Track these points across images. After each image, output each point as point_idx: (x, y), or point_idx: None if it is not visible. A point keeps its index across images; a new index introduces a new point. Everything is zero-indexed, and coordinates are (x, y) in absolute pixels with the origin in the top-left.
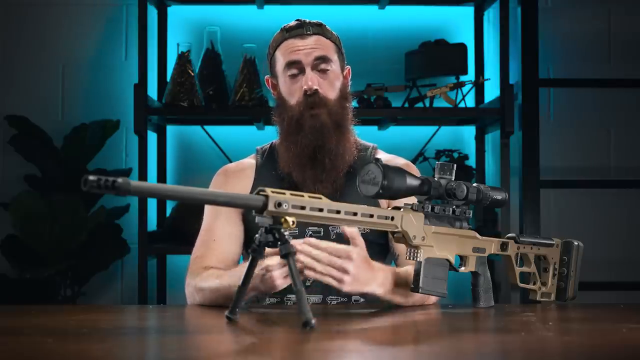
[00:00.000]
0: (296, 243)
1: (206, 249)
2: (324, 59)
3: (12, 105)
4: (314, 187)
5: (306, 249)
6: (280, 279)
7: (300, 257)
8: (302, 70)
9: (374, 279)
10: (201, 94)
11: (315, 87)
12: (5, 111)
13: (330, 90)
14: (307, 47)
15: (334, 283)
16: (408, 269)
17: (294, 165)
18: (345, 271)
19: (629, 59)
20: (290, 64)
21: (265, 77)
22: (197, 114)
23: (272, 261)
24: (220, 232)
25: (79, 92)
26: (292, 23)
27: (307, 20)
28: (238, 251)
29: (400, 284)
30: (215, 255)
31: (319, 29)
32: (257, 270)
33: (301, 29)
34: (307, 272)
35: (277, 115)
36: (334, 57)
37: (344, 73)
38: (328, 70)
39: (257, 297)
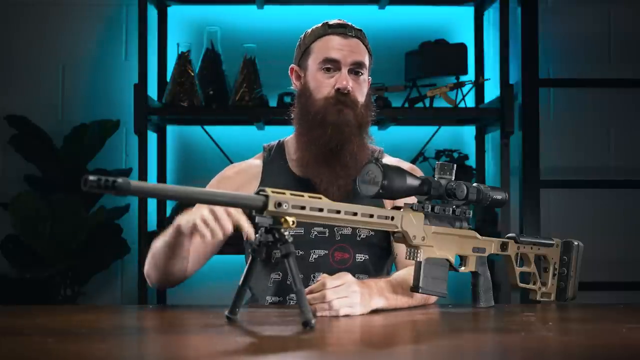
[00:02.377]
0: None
1: None
2: (360, 65)
3: (12, 105)
4: (328, 185)
5: (310, 297)
6: None
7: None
8: (337, 69)
9: (371, 293)
10: (201, 94)
11: (349, 88)
12: (5, 111)
13: (360, 94)
14: (348, 48)
15: (349, 311)
16: (400, 273)
17: (311, 160)
18: (354, 292)
19: (629, 59)
20: (328, 60)
21: (291, 66)
22: (197, 114)
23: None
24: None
25: (79, 92)
26: (335, 21)
27: (350, 23)
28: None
29: (397, 289)
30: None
31: (360, 33)
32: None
33: (344, 29)
34: (321, 313)
35: (297, 108)
36: (367, 64)
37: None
38: (361, 75)
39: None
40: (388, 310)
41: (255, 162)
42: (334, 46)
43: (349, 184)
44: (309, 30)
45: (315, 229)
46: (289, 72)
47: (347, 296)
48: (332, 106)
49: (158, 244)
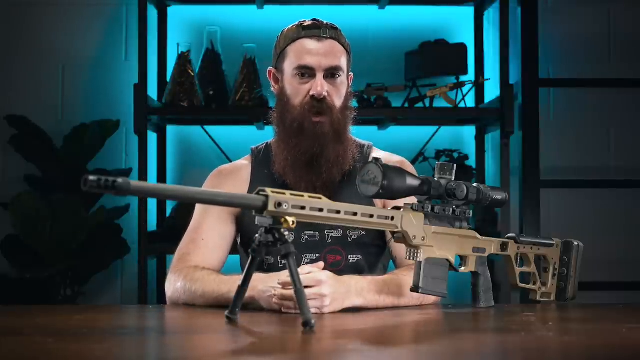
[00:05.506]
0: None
1: (194, 247)
2: (336, 68)
3: (12, 105)
4: (307, 191)
5: (278, 292)
6: (272, 306)
7: (274, 299)
8: (312, 75)
9: (349, 291)
10: (201, 94)
11: (324, 94)
12: (5, 111)
13: (337, 98)
14: (322, 52)
15: (315, 311)
16: (395, 272)
17: (289, 167)
18: (322, 296)
19: (629, 59)
20: (302, 67)
21: (268, 68)
22: (197, 114)
23: (287, 291)
24: (210, 232)
25: (79, 92)
26: (309, 21)
27: (325, 22)
28: (226, 252)
29: (382, 288)
30: (201, 255)
31: (335, 33)
32: (267, 283)
33: (318, 30)
34: (286, 311)
35: (276, 112)
36: (344, 66)
37: (348, 80)
38: (338, 78)
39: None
40: (369, 309)
41: (244, 164)
42: (309, 51)
43: (327, 190)
44: (285, 31)
45: (305, 233)
46: (267, 74)
47: (314, 299)
48: (307, 113)
49: (203, 291)
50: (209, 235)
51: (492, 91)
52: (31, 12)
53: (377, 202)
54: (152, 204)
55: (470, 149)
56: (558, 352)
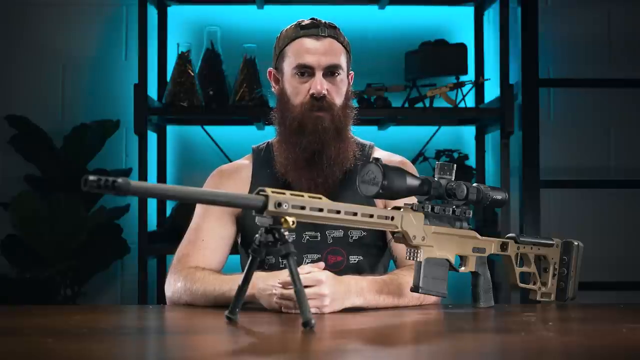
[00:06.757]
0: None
1: (194, 248)
2: (335, 66)
3: (12, 105)
4: (309, 190)
5: (278, 291)
6: (272, 305)
7: (274, 299)
8: (311, 74)
9: (349, 291)
10: (201, 94)
11: (324, 93)
12: (5, 111)
13: (337, 96)
14: (321, 50)
15: (315, 311)
16: (395, 272)
17: (291, 166)
18: (321, 295)
19: (629, 59)
20: (301, 66)
21: (268, 69)
22: (197, 114)
23: (288, 291)
24: (209, 233)
25: (79, 92)
26: (307, 21)
27: (323, 21)
28: (225, 253)
29: (382, 288)
30: (201, 256)
31: (333, 31)
32: (268, 281)
33: (316, 29)
34: (286, 311)
35: (277, 112)
36: (344, 64)
37: (349, 78)
38: (337, 76)
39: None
40: (368, 309)
41: (244, 164)
42: (307, 50)
43: (328, 189)
44: (284, 31)
45: (306, 233)
46: (267, 75)
47: (314, 299)
48: (308, 112)
49: (204, 290)
50: (209, 236)
51: (492, 91)
52: (31, 12)
53: (378, 202)
54: (152, 204)
55: (470, 149)
56: (558, 352)
